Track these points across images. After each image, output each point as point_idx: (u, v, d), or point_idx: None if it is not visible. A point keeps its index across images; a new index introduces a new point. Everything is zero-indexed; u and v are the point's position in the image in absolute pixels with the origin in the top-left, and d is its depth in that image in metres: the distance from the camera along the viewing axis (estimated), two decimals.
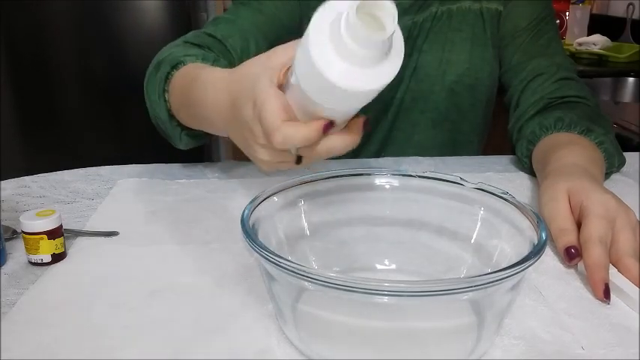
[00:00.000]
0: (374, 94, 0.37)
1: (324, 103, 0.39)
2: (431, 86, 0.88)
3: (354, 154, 0.91)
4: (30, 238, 0.53)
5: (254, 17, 0.80)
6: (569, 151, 0.67)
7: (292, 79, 0.41)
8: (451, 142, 0.93)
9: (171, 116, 0.68)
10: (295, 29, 0.85)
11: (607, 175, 0.71)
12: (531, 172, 0.75)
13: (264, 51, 0.72)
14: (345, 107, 0.40)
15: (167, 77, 0.67)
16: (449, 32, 0.87)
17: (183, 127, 0.69)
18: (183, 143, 0.71)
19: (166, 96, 0.67)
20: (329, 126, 0.40)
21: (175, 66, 0.66)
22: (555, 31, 0.88)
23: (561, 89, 0.81)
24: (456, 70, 0.87)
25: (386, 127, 0.91)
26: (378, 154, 0.91)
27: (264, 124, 0.41)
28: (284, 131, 0.40)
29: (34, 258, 0.54)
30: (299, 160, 0.45)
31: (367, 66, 0.35)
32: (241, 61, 0.64)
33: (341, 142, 0.42)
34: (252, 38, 0.79)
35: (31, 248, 0.54)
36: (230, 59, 0.75)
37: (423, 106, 0.89)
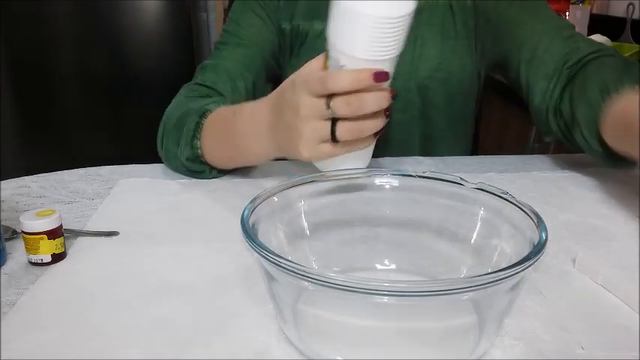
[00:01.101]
0: (404, 22, 0.48)
1: (359, 52, 0.48)
2: (405, 83, 0.88)
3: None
4: (30, 238, 0.53)
5: (235, 54, 0.86)
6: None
7: (330, 61, 0.51)
8: (428, 138, 0.93)
9: (201, 161, 0.73)
10: (276, 54, 0.90)
11: None
12: (603, 159, 0.71)
13: (252, 80, 0.87)
14: (377, 49, 0.48)
15: (197, 126, 0.71)
16: (419, 27, 0.87)
17: (212, 167, 0.74)
18: (212, 175, 0.76)
19: (197, 143, 0.71)
20: (380, 75, 0.48)
21: (203, 114, 0.71)
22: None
23: (572, 52, 0.77)
24: (428, 65, 0.87)
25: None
26: None
27: (310, 79, 0.50)
28: (332, 74, 0.49)
29: (34, 258, 0.54)
30: (333, 137, 0.52)
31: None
32: (233, 101, 0.76)
33: (376, 96, 0.49)
34: (239, 75, 0.84)
35: (31, 248, 0.54)
36: (224, 101, 0.79)
37: (399, 105, 0.89)
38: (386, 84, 0.51)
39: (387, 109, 0.53)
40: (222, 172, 0.76)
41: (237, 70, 0.84)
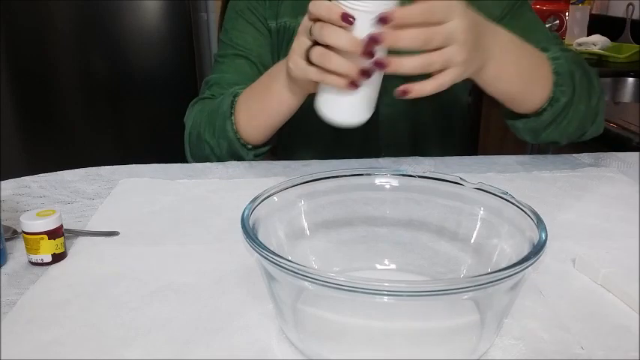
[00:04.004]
0: None
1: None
2: (392, 81, 0.88)
3: (333, 154, 0.92)
4: (30, 238, 0.53)
5: (234, 65, 0.89)
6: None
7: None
8: (416, 132, 0.94)
9: (238, 139, 0.79)
10: (274, 55, 0.91)
11: (558, 93, 0.70)
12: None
13: None
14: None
15: (232, 103, 0.79)
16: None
17: (250, 149, 0.81)
18: (249, 157, 0.81)
19: (233, 119, 0.78)
20: (345, 16, 0.53)
21: (235, 95, 0.79)
22: (530, 11, 0.86)
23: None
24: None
25: (361, 126, 0.92)
26: (359, 154, 0.91)
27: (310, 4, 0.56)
28: (317, 2, 0.55)
29: (35, 258, 0.54)
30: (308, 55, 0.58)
31: None
32: None
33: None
34: (242, 85, 0.86)
35: (31, 248, 0.54)
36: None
37: (389, 101, 0.89)
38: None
39: (366, 72, 0.56)
40: (259, 150, 0.81)
41: (239, 81, 0.86)
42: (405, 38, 0.53)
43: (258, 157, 0.82)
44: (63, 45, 1.99)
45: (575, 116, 0.74)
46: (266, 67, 0.90)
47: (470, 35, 0.56)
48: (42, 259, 0.54)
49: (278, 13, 0.90)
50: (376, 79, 0.59)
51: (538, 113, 0.73)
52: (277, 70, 0.72)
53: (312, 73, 0.59)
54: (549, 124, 0.74)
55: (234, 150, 0.80)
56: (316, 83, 0.62)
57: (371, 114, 0.61)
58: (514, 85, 0.68)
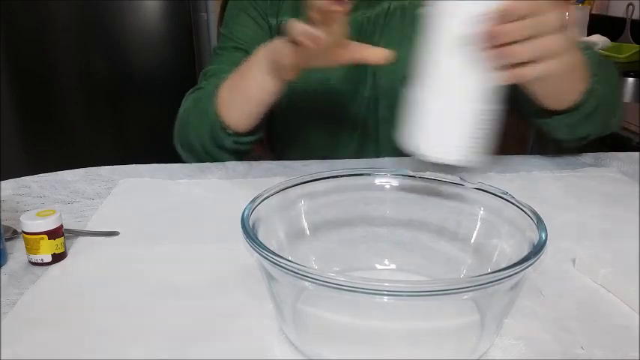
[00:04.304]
0: None
1: None
2: (392, 83, 0.88)
3: (332, 154, 0.92)
4: (30, 238, 0.53)
5: (233, 58, 0.87)
6: None
7: None
8: None
9: (220, 121, 0.77)
10: None
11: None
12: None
13: None
14: None
15: (215, 89, 0.77)
16: (404, 28, 0.87)
17: (230, 134, 0.78)
18: (229, 144, 0.79)
19: (215, 100, 0.77)
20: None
21: (220, 81, 0.78)
22: None
23: None
24: (413, 64, 0.87)
25: (360, 126, 0.92)
26: (358, 154, 0.91)
27: None
28: None
29: (35, 258, 0.54)
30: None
31: None
32: None
33: None
34: None
35: (31, 248, 0.54)
36: None
37: (388, 102, 0.90)
38: None
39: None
40: (241, 138, 0.78)
41: None
42: (516, 30, 0.51)
43: (240, 147, 0.80)
44: (63, 45, 1.99)
45: (609, 106, 0.72)
46: None
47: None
48: (42, 259, 0.54)
49: (279, 11, 0.90)
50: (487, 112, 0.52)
51: (576, 107, 0.69)
52: (259, 56, 0.71)
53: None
54: (587, 116, 0.71)
55: (215, 133, 0.78)
56: (296, 69, 0.65)
57: (481, 157, 0.53)
58: (558, 83, 0.65)
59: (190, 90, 0.88)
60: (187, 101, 0.86)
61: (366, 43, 0.88)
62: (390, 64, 0.87)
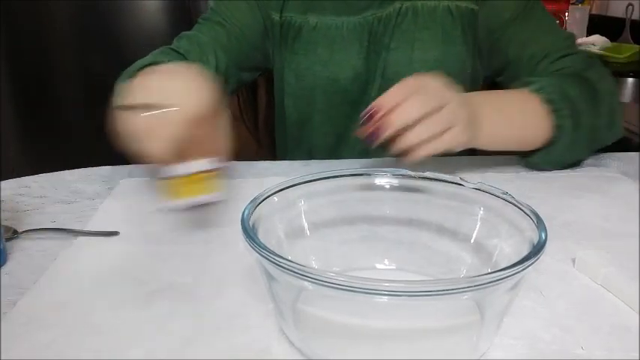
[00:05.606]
0: None
1: None
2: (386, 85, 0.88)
3: (338, 154, 0.92)
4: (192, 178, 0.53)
5: (213, 32, 0.86)
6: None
7: None
8: None
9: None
10: (259, 44, 0.90)
11: (560, 114, 0.71)
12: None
13: (225, 61, 0.87)
14: None
15: (142, 65, 0.73)
16: (416, 31, 0.86)
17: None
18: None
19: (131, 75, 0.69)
20: None
21: (147, 66, 0.70)
22: (542, 10, 0.86)
23: (553, 68, 0.80)
24: (426, 67, 0.87)
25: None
26: (363, 154, 0.91)
27: None
28: None
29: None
30: None
31: None
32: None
33: None
34: (211, 51, 0.84)
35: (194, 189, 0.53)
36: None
37: None
38: None
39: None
40: None
41: (210, 47, 0.85)
42: (414, 137, 0.59)
43: None
44: (63, 45, 1.99)
45: (590, 131, 0.73)
46: (246, 51, 0.88)
47: (463, 111, 0.61)
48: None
49: (284, 6, 0.89)
50: None
51: (551, 145, 0.72)
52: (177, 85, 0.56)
53: None
54: (566, 149, 0.73)
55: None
56: None
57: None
58: (511, 141, 0.71)
59: (158, 49, 0.86)
60: (151, 55, 0.83)
61: (377, 43, 0.88)
62: (400, 65, 0.88)
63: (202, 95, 0.54)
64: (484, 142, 0.69)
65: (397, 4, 0.86)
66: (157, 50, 0.85)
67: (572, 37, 0.86)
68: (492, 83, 0.94)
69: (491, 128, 0.68)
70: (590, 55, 0.82)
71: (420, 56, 0.87)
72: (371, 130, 0.57)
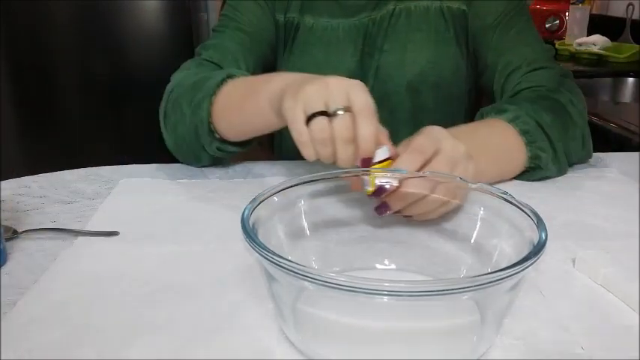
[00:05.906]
0: None
1: None
2: (394, 86, 0.88)
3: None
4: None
5: (237, 38, 0.86)
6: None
7: None
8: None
9: (209, 122, 0.71)
10: (272, 42, 0.90)
11: (541, 149, 0.70)
12: None
13: (252, 65, 0.88)
14: None
15: (220, 83, 0.71)
16: (409, 32, 0.87)
17: (216, 138, 0.72)
18: (212, 149, 0.73)
19: (212, 100, 0.70)
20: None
21: (230, 76, 0.72)
22: (526, 21, 0.85)
23: (525, 82, 0.80)
24: (419, 69, 0.87)
25: None
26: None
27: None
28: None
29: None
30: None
31: None
32: None
33: None
34: (241, 57, 0.84)
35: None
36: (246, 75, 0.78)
37: (389, 106, 0.89)
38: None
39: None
40: (225, 146, 0.73)
41: (240, 53, 0.84)
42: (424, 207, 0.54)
43: (220, 155, 0.75)
44: (63, 44, 1.99)
45: (565, 154, 0.73)
46: (264, 51, 0.88)
47: (471, 166, 0.58)
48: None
49: (288, 7, 0.90)
50: None
51: (529, 171, 0.73)
52: (275, 89, 0.61)
53: (306, 140, 0.56)
54: (544, 173, 0.73)
55: (201, 132, 0.72)
56: None
57: None
58: (494, 175, 0.70)
59: (188, 61, 0.84)
60: (184, 72, 0.81)
61: (371, 45, 0.88)
62: (393, 67, 0.88)
63: (362, 88, 0.56)
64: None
65: (391, 6, 0.87)
66: (190, 64, 0.84)
67: (550, 51, 0.86)
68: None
69: (480, 168, 0.64)
70: (564, 72, 0.82)
71: (412, 58, 0.87)
72: (381, 203, 0.53)
